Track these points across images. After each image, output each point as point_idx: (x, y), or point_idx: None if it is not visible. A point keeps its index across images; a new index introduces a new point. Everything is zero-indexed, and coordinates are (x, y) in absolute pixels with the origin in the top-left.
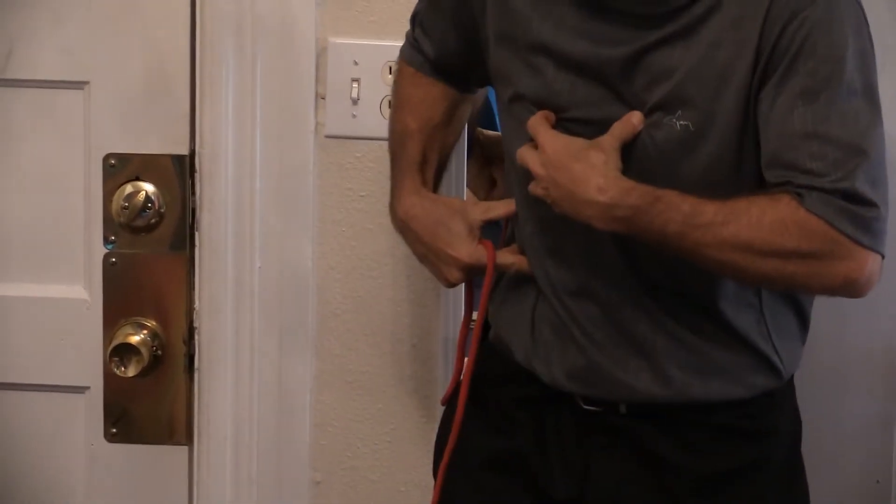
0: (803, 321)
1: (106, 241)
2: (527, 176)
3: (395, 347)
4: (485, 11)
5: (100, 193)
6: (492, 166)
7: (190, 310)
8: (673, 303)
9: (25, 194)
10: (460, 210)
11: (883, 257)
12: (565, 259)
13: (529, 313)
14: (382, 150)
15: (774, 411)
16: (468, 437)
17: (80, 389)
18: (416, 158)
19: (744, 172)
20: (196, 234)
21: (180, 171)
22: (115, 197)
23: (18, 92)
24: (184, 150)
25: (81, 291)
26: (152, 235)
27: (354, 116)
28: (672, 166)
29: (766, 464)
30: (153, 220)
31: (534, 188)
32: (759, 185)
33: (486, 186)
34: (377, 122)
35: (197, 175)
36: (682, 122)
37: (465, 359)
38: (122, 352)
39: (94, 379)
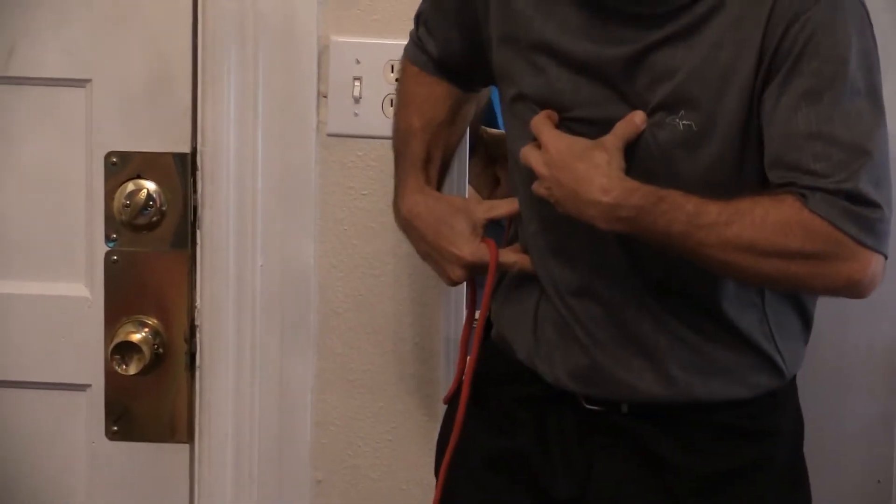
0: (806, 321)
1: (107, 239)
2: (530, 175)
3: (396, 346)
4: (487, 13)
5: (101, 191)
6: (495, 165)
7: (191, 308)
8: (675, 303)
9: (27, 192)
10: (464, 208)
11: (886, 258)
12: (568, 258)
13: (532, 312)
14: (384, 148)
15: (777, 411)
16: (470, 437)
17: (81, 387)
18: (420, 157)
19: (746, 173)
20: (197, 232)
21: (182, 170)
22: (117, 195)
23: (20, 90)
24: (185, 149)
25: (83, 289)
26: (154, 233)
27: (356, 115)
28: (674, 166)
29: (768, 464)
30: (155, 219)
31: (537, 188)
32: (760, 186)
33: (489, 185)
34: (379, 121)
35: (198, 173)
36: (684, 122)
37: (468, 358)
38: (124, 350)
39: (96, 377)
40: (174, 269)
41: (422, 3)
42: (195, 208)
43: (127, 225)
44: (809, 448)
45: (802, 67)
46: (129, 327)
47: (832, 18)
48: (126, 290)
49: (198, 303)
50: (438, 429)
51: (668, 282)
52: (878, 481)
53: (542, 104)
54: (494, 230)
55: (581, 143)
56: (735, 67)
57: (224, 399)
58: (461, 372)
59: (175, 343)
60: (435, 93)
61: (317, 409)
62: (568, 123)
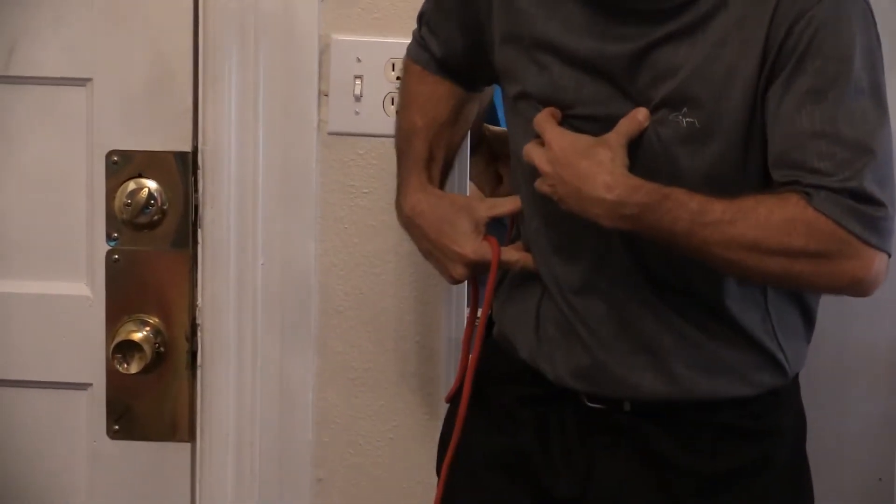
0: (809, 320)
1: (108, 237)
2: (533, 173)
3: (398, 344)
4: (490, 12)
5: (102, 190)
6: (498, 163)
7: (192, 307)
8: (679, 301)
9: (28, 192)
10: (466, 207)
11: (889, 256)
12: (571, 256)
13: (534, 311)
14: (385, 147)
15: (779, 410)
16: (471, 435)
17: (82, 386)
18: (423, 155)
19: (749, 171)
20: (199, 231)
21: (183, 168)
22: (118, 194)
23: (21, 89)
24: (186, 147)
25: (84, 288)
26: (155, 232)
27: (357, 113)
28: (677, 163)
29: (770, 463)
30: (156, 217)
31: (540, 185)
32: (763, 184)
33: (492, 183)
34: (380, 120)
35: (200, 172)
36: (687, 120)
37: (469, 356)
38: (125, 349)
39: (97, 376)
40: (175, 267)
41: (424, 3)
42: (196, 207)
43: (128, 224)
44: (811, 446)
45: (806, 66)
46: (131, 326)
47: (836, 17)
48: (127, 289)
49: (199, 301)
50: (440, 428)
51: (671, 280)
52: (880, 479)
53: (545, 102)
54: (497, 228)
55: (584, 140)
56: (738, 66)
57: (225, 398)
58: (463, 370)
59: (176, 342)
60: (437, 92)
61: (318, 408)
62: (571, 121)
